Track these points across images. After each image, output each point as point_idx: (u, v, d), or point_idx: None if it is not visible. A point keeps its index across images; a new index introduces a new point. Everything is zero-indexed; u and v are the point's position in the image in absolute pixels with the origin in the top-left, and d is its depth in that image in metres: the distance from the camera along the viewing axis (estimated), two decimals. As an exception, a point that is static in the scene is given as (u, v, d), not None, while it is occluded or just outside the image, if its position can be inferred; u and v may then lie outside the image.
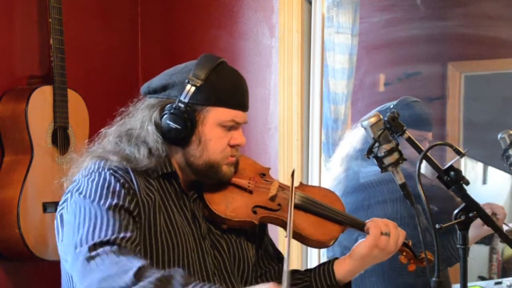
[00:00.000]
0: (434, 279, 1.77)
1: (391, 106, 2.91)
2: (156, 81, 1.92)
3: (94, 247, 1.64)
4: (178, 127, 1.83)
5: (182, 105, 1.84)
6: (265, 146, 3.17)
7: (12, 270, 2.89)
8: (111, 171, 1.81)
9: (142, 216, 1.79)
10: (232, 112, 1.88)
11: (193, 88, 1.84)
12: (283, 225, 1.92)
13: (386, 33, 3.33)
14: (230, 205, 1.91)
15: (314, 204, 2.00)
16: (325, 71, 3.13)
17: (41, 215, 2.79)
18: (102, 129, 1.94)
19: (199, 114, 1.86)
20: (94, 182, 1.79)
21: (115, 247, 1.64)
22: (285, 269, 1.52)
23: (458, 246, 1.83)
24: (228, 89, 1.88)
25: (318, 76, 3.10)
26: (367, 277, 2.90)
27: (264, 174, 2.02)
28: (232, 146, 1.90)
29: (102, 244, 1.65)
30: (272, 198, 1.95)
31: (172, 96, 1.87)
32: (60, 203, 1.86)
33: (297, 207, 1.97)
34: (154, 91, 1.91)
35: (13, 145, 2.80)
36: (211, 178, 1.91)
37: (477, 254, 3.18)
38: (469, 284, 1.86)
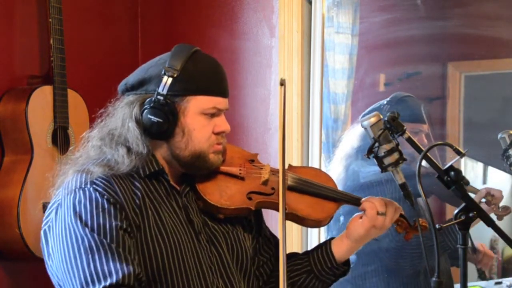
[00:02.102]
0: (434, 279, 1.77)
1: (384, 103, 2.92)
2: (132, 78, 1.90)
3: None
4: (160, 120, 1.81)
5: (161, 98, 1.82)
6: (265, 146, 3.17)
7: (12, 270, 2.89)
8: (94, 186, 1.78)
9: (133, 226, 1.77)
10: (213, 99, 1.86)
11: (170, 79, 1.82)
12: (279, 209, 1.91)
13: (386, 33, 3.33)
14: (224, 193, 1.90)
15: (307, 184, 1.99)
16: (325, 71, 3.13)
17: (41, 215, 2.75)
18: (84, 133, 1.91)
19: (179, 105, 1.83)
20: (82, 204, 1.76)
21: None
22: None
23: (458, 246, 1.83)
24: (206, 76, 1.86)
25: (318, 76, 3.10)
26: (368, 278, 2.90)
27: (253, 160, 2.01)
28: (216, 134, 1.88)
29: None
30: (265, 183, 1.94)
31: (150, 90, 1.85)
32: (44, 218, 1.84)
33: (290, 188, 1.97)
34: (131, 88, 1.89)
35: (13, 145, 2.80)
36: (200, 169, 1.89)
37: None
38: (469, 284, 1.86)
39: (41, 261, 2.78)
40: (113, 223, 1.73)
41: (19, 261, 2.88)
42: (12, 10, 2.90)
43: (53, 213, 1.81)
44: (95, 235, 1.71)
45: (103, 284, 1.67)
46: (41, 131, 2.81)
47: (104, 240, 1.71)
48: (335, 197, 2.01)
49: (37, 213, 2.78)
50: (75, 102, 2.93)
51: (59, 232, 1.77)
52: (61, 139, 2.87)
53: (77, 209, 1.75)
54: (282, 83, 1.81)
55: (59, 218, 1.78)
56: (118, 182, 1.81)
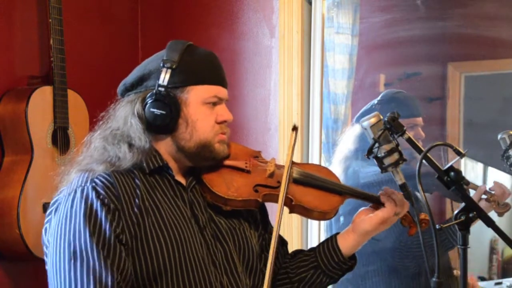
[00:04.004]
0: (434, 279, 1.77)
1: (375, 102, 2.92)
2: (131, 77, 1.91)
3: None
4: (163, 112, 1.82)
5: (163, 89, 1.83)
6: (265, 146, 3.17)
7: (12, 270, 2.89)
8: (93, 184, 1.78)
9: (130, 226, 1.77)
10: (213, 88, 1.88)
11: (169, 71, 1.84)
12: (286, 202, 1.92)
13: (386, 33, 3.33)
14: (231, 186, 1.92)
15: (312, 177, 2.01)
16: (325, 71, 3.13)
17: (41, 215, 2.79)
18: (87, 136, 1.92)
19: (180, 96, 1.85)
20: (78, 204, 1.76)
21: None
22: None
23: (458, 246, 1.83)
24: (205, 66, 1.89)
25: (318, 76, 3.10)
26: (369, 278, 2.90)
27: (257, 156, 2.04)
28: (219, 123, 1.89)
29: None
30: (271, 175, 1.96)
31: (150, 86, 1.86)
32: (47, 214, 1.85)
33: (296, 181, 1.99)
34: (131, 87, 1.90)
35: (13, 145, 2.80)
36: (206, 159, 1.89)
37: (477, 255, 3.18)
38: (469, 284, 1.86)
39: (41, 261, 2.78)
40: (103, 226, 1.73)
41: (19, 261, 2.88)
42: (12, 10, 2.90)
43: (53, 211, 1.82)
44: (82, 240, 1.72)
45: None
46: (41, 131, 2.81)
47: (89, 247, 1.71)
48: (339, 190, 2.03)
49: (37, 213, 2.78)
50: (75, 102, 2.93)
51: (53, 231, 1.78)
52: (61, 140, 2.87)
53: (72, 209, 1.76)
54: (295, 129, 1.88)
55: (56, 218, 1.79)
56: (119, 179, 1.81)
